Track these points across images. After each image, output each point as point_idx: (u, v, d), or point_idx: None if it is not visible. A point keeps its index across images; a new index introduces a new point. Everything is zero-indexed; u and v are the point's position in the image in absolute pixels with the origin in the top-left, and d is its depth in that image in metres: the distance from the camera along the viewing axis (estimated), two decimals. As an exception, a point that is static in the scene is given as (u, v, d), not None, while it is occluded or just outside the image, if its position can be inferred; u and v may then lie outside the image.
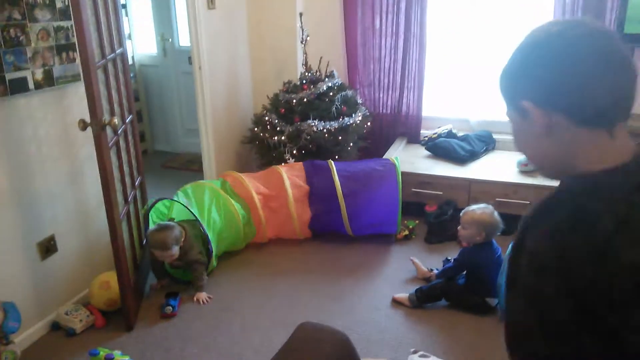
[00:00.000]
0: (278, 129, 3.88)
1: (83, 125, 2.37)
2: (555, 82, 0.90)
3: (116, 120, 2.42)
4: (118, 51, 2.80)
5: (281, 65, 4.34)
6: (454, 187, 3.65)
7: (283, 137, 3.80)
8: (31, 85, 2.42)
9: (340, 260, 3.33)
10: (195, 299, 2.92)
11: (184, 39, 5.15)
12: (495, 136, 4.13)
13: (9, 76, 2.30)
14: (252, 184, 3.50)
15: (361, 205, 3.39)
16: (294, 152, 3.79)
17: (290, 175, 3.52)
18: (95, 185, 2.87)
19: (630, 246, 0.80)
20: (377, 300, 2.91)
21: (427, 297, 2.80)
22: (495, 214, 2.74)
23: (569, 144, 0.94)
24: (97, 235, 2.96)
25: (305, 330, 1.57)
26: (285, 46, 4.28)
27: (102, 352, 2.42)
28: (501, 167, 3.76)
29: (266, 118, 3.97)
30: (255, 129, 4.03)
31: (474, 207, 2.79)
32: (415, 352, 2.28)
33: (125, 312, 2.68)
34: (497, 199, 3.55)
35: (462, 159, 3.84)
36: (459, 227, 2.81)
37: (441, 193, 3.67)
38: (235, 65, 4.22)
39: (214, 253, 3.10)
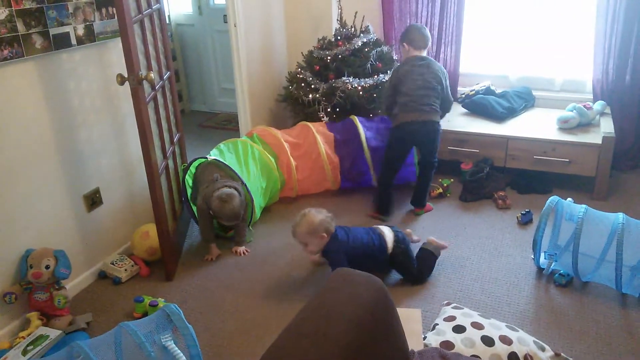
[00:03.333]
0: (312, 86, 3.87)
1: (121, 80, 2.42)
2: None
3: (152, 75, 2.46)
4: (155, 7, 2.83)
5: (316, 21, 4.30)
6: (491, 144, 3.60)
7: (317, 95, 3.80)
8: (73, 40, 2.48)
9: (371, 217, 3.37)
10: (234, 250, 3.02)
11: (218, -3, 5.14)
12: (534, 93, 4.03)
13: (52, 31, 2.36)
14: (279, 133, 3.62)
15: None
16: (328, 109, 3.79)
17: (315, 124, 3.65)
18: (137, 139, 2.96)
19: None
20: (411, 255, 2.95)
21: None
22: (313, 210, 2.59)
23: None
24: (140, 189, 3.07)
25: (341, 274, 1.61)
26: (320, 1, 4.22)
27: (147, 299, 2.54)
28: (540, 124, 3.68)
29: (300, 76, 3.97)
30: (290, 87, 4.03)
31: (296, 225, 2.59)
32: (448, 304, 2.31)
33: (164, 262, 2.79)
34: (535, 157, 3.50)
35: (499, 116, 3.77)
36: (302, 248, 2.65)
37: (478, 151, 3.63)
38: (269, 22, 4.20)
39: (257, 205, 3.18)
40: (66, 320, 2.41)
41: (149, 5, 2.73)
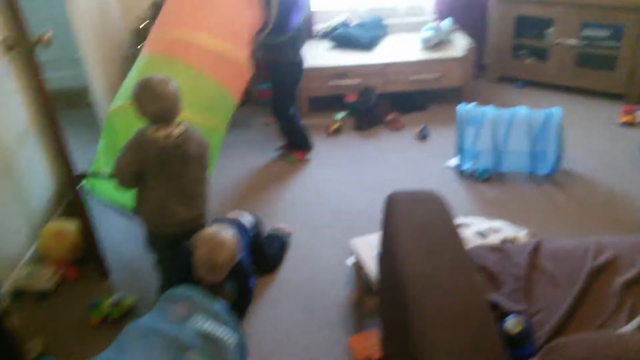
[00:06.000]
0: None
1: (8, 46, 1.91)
2: None
3: (49, 35, 1.99)
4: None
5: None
6: (370, 73, 3.72)
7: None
8: None
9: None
10: None
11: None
12: (385, 21, 4.24)
13: None
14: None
15: None
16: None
17: None
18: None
19: None
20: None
21: None
22: (222, 230, 1.96)
23: None
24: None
25: (395, 198, 1.55)
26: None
27: (104, 300, 2.14)
28: (404, 47, 3.92)
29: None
30: (138, 46, 3.59)
31: (214, 255, 1.87)
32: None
33: (99, 257, 2.35)
34: (410, 77, 3.73)
35: (366, 46, 3.90)
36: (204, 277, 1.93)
37: (359, 81, 3.73)
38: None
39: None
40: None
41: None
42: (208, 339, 1.62)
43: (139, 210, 2.05)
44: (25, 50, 1.91)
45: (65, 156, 2.15)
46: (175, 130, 1.93)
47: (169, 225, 2.01)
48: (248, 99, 3.81)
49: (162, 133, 1.90)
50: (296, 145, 3.31)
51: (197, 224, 2.06)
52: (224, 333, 1.63)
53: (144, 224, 2.07)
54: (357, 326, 2.14)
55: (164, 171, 1.94)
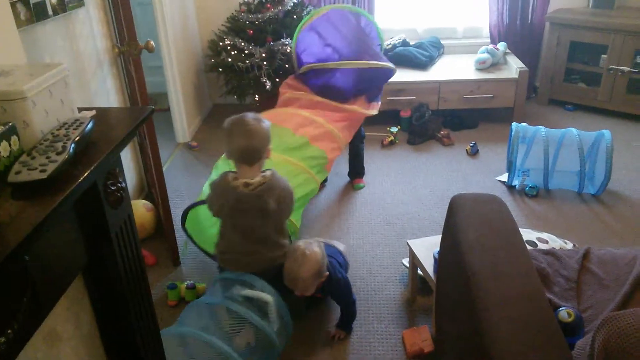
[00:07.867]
0: (247, 52, 3.80)
1: (118, 51, 2.20)
2: None
3: (153, 43, 2.27)
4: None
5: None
6: (425, 90, 3.92)
7: (257, 60, 3.74)
8: (50, 10, 2.15)
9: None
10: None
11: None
12: (442, 41, 4.45)
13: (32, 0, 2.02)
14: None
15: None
16: (271, 73, 3.76)
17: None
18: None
19: None
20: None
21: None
22: (309, 244, 2.03)
23: None
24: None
25: (459, 199, 1.73)
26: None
27: (180, 284, 2.38)
28: (459, 67, 4.11)
29: (227, 42, 3.85)
30: (219, 55, 3.89)
31: (297, 267, 1.95)
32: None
33: (171, 245, 2.61)
34: (464, 96, 3.91)
35: (423, 65, 4.11)
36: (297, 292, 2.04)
37: (414, 98, 3.93)
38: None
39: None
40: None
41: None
42: (248, 300, 1.87)
43: (217, 247, 2.12)
44: (134, 55, 2.20)
45: (157, 153, 2.42)
46: (256, 179, 1.91)
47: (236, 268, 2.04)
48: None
49: (241, 181, 1.90)
50: (359, 169, 3.36)
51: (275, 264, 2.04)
52: (262, 295, 1.87)
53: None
54: (410, 321, 2.32)
55: (237, 219, 1.96)
